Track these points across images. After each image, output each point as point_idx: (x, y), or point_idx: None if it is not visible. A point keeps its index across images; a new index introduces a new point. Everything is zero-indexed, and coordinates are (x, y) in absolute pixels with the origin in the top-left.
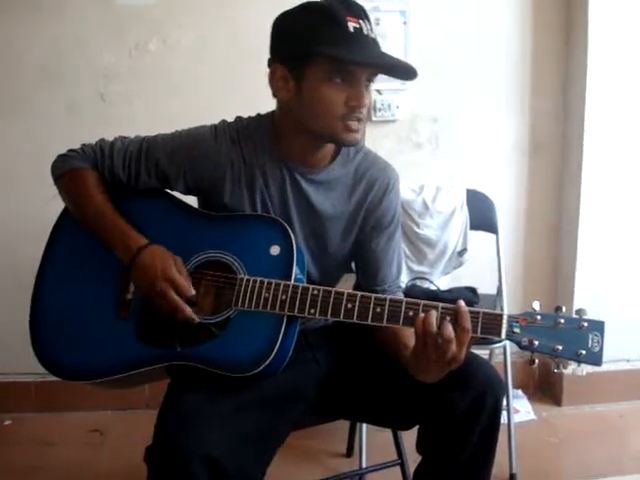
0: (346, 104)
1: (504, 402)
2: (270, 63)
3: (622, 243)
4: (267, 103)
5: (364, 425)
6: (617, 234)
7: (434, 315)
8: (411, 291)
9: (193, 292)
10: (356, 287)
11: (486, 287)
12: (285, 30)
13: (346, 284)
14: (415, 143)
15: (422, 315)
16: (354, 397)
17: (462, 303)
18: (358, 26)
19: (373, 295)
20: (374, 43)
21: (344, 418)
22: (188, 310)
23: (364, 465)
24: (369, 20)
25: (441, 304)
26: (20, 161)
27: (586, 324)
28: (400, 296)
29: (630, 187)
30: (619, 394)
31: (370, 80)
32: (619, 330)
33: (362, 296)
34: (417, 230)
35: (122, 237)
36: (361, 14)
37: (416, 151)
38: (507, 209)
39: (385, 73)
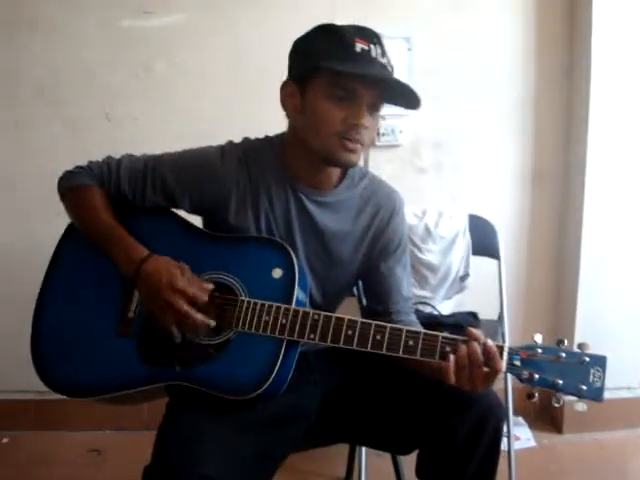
0: (344, 122)
1: (505, 428)
2: (284, 81)
3: (623, 271)
4: (271, 121)
5: (363, 449)
6: (619, 262)
7: (464, 350)
8: None
9: (205, 298)
10: (366, 309)
11: (487, 312)
12: (296, 48)
13: (346, 307)
14: (418, 168)
15: (453, 356)
16: (353, 420)
17: (473, 334)
18: (367, 48)
19: (374, 322)
20: (380, 66)
21: (343, 441)
22: (199, 316)
23: None
24: (382, 47)
25: (441, 335)
26: (23, 180)
27: (588, 359)
28: (413, 317)
29: (632, 216)
30: (620, 422)
31: (375, 106)
32: (619, 358)
33: (362, 323)
34: (419, 255)
35: (126, 250)
36: (373, 39)
37: (419, 176)
38: (509, 235)
39: (388, 99)
